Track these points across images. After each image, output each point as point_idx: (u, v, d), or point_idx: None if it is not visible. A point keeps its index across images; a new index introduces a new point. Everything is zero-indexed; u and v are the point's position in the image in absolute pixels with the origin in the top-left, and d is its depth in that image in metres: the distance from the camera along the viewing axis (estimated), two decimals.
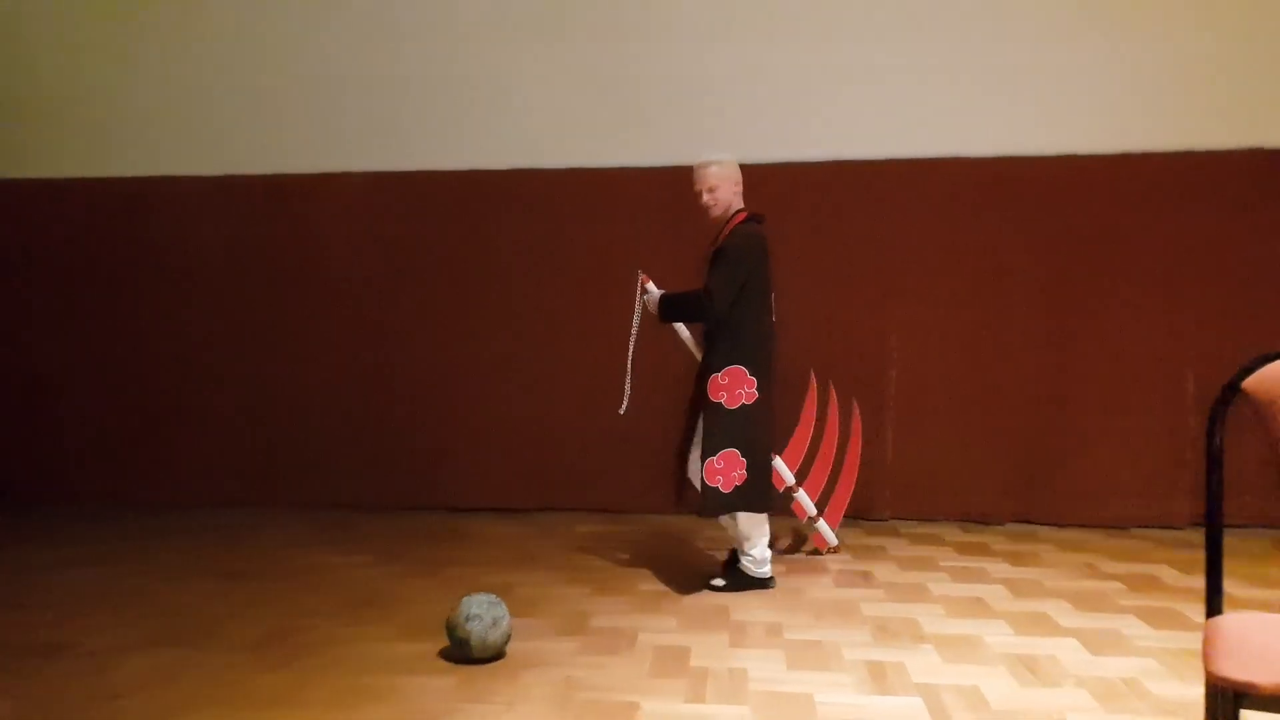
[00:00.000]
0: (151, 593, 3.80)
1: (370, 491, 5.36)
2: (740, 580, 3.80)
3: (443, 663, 3.04)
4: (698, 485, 3.73)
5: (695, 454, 3.77)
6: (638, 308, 3.82)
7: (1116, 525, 4.80)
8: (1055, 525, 4.85)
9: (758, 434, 3.68)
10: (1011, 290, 4.90)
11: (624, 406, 3.87)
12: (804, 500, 4.27)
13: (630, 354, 3.81)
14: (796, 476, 4.25)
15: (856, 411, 4.48)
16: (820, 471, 4.36)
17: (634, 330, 3.80)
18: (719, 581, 3.81)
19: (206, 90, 5.40)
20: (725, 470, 3.62)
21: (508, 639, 3.07)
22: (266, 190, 5.40)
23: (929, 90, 4.88)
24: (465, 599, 3.05)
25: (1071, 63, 4.79)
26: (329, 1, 5.25)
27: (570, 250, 5.19)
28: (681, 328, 3.86)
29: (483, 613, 3.00)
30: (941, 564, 4.18)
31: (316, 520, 5.10)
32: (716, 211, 3.71)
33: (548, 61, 5.12)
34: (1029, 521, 4.90)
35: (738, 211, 3.72)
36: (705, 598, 3.71)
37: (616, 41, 5.06)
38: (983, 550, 4.42)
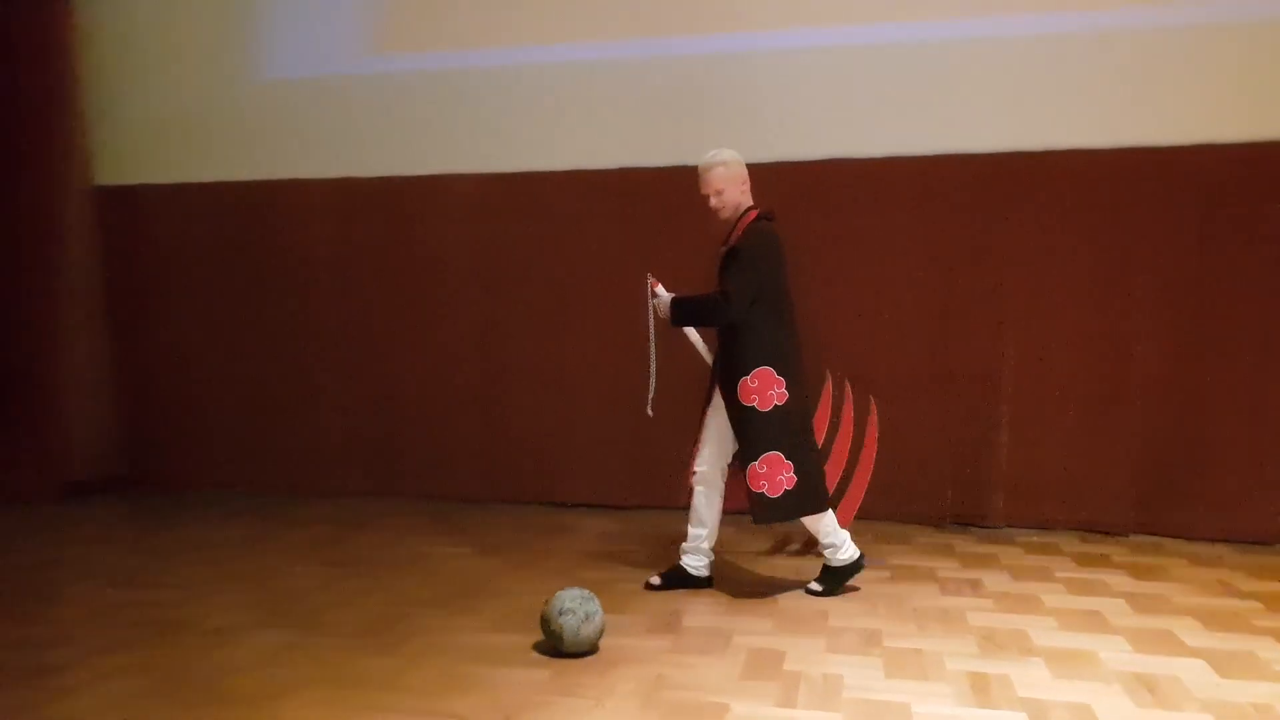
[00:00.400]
0: (270, 577, 4.00)
1: (477, 484, 5.49)
2: (834, 579, 3.73)
3: (536, 655, 3.08)
4: (707, 489, 3.71)
5: (706, 455, 3.71)
6: (651, 313, 3.75)
7: (1256, 540, 4.48)
8: (1185, 538, 4.55)
9: (798, 434, 3.61)
10: (1137, 286, 4.62)
11: (650, 408, 3.78)
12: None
13: (653, 358, 3.75)
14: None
15: (874, 411, 4.29)
16: (832, 472, 4.22)
17: (651, 334, 3.74)
18: (816, 586, 3.75)
19: (332, 97, 5.65)
20: (770, 475, 3.55)
21: (600, 634, 3.09)
22: (385, 191, 5.60)
23: (1061, 77, 4.66)
24: (559, 593, 3.09)
25: (1219, 49, 4.50)
26: (441, 6, 5.42)
27: (676, 248, 5.19)
28: (691, 331, 3.80)
29: (576, 607, 3.03)
30: (1057, 574, 3.99)
31: (430, 511, 5.25)
32: (725, 213, 3.63)
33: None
34: (1155, 533, 4.62)
35: (748, 210, 3.64)
36: (803, 601, 3.65)
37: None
38: (1103, 562, 4.19)
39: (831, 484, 4.08)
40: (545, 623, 3.06)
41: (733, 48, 5.06)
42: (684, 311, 3.64)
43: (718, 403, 3.67)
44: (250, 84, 5.78)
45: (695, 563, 3.81)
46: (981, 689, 2.79)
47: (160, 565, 4.19)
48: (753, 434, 3.55)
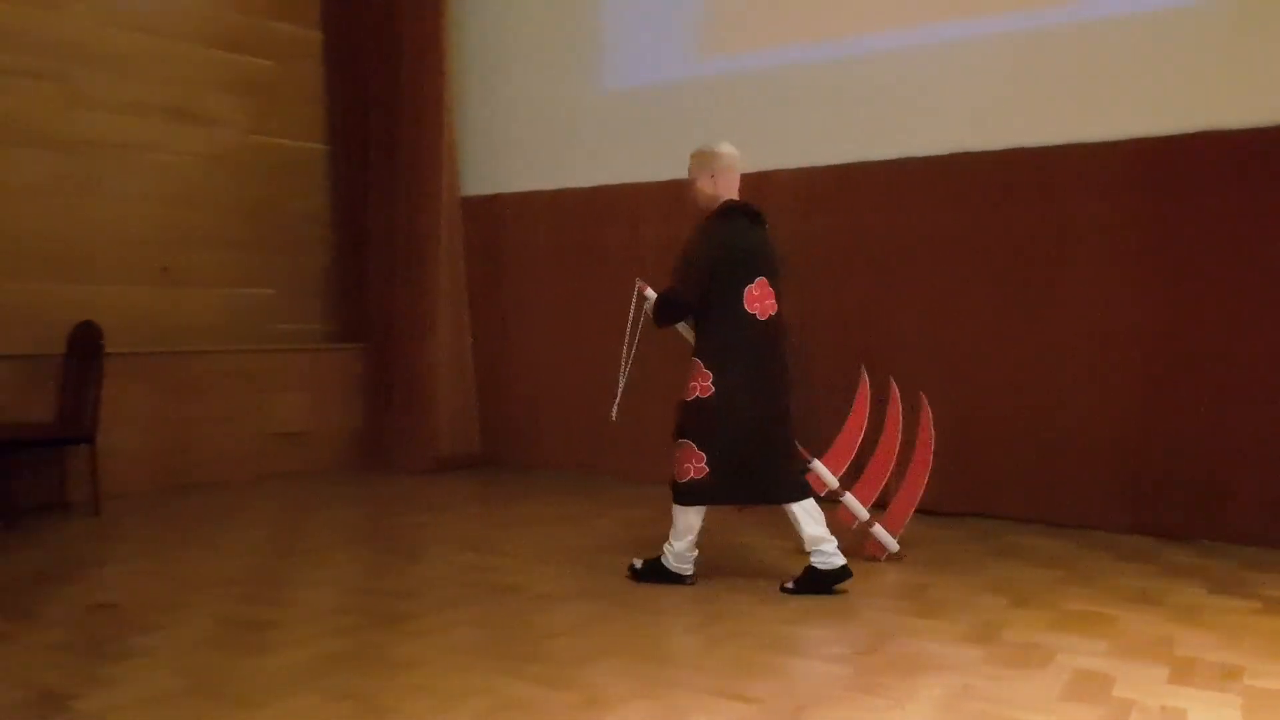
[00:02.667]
0: (594, 551, 4.27)
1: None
2: (659, 572, 3.71)
3: (840, 650, 3.01)
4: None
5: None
6: (635, 314, 3.78)
7: None
8: None
9: (718, 429, 3.58)
10: None
11: (614, 413, 3.76)
12: (851, 504, 4.07)
13: (627, 363, 3.76)
14: (844, 480, 4.05)
15: (926, 409, 4.07)
16: (877, 474, 4.10)
17: (627, 338, 3.76)
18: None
19: (662, 102, 5.92)
20: (680, 461, 3.62)
21: None
22: None
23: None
24: None
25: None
26: (763, 5, 5.47)
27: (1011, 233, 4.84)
28: (684, 329, 3.79)
29: None
30: None
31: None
32: (699, 203, 3.73)
33: None
34: None
35: (724, 203, 3.68)
36: (1148, 625, 3.24)
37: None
38: None
39: (877, 485, 4.11)
40: None
41: None
42: (655, 309, 3.73)
43: None
44: (591, 95, 6.24)
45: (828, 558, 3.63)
46: None
47: (501, 535, 4.63)
48: (678, 420, 3.67)
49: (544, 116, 6.45)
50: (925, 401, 4.16)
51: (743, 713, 2.54)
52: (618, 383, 3.78)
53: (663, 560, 3.73)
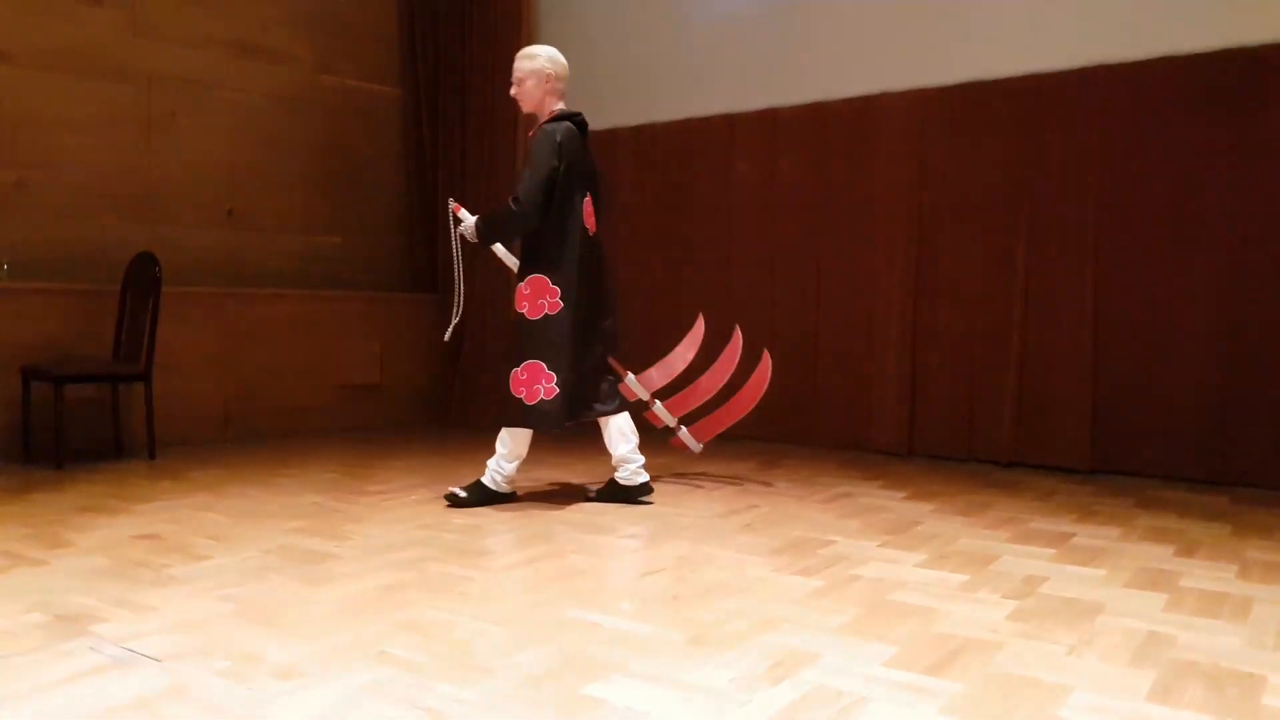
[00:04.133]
0: (675, 495, 3.84)
1: (903, 437, 4.97)
2: (484, 494, 3.62)
3: (990, 595, 2.53)
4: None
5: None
6: (455, 239, 3.68)
7: None
8: None
9: (566, 346, 3.46)
10: None
11: (448, 334, 3.81)
12: (661, 412, 4.13)
13: (459, 285, 3.72)
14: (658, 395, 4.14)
15: (766, 357, 4.22)
16: (695, 398, 4.23)
17: (457, 260, 3.70)
18: (593, 491, 3.78)
19: (750, 31, 5.45)
20: (529, 382, 3.46)
21: None
22: (809, 119, 5.29)
23: None
24: None
25: None
26: None
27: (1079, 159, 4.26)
28: (500, 249, 3.71)
29: None
30: None
31: (849, 460, 4.87)
32: (526, 108, 3.62)
33: None
34: None
35: (559, 111, 3.56)
36: None
37: None
38: None
39: (684, 408, 4.17)
40: None
41: None
42: (488, 228, 3.54)
43: None
44: (675, 25, 5.79)
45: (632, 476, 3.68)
46: None
47: (583, 479, 4.22)
48: (521, 339, 3.49)
49: (625, 50, 6.01)
50: (766, 355, 4.26)
51: (885, 655, 2.08)
52: (454, 306, 3.76)
53: (489, 481, 3.63)
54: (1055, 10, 4.54)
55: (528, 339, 3.49)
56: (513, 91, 3.63)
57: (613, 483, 3.73)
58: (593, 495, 3.78)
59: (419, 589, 2.56)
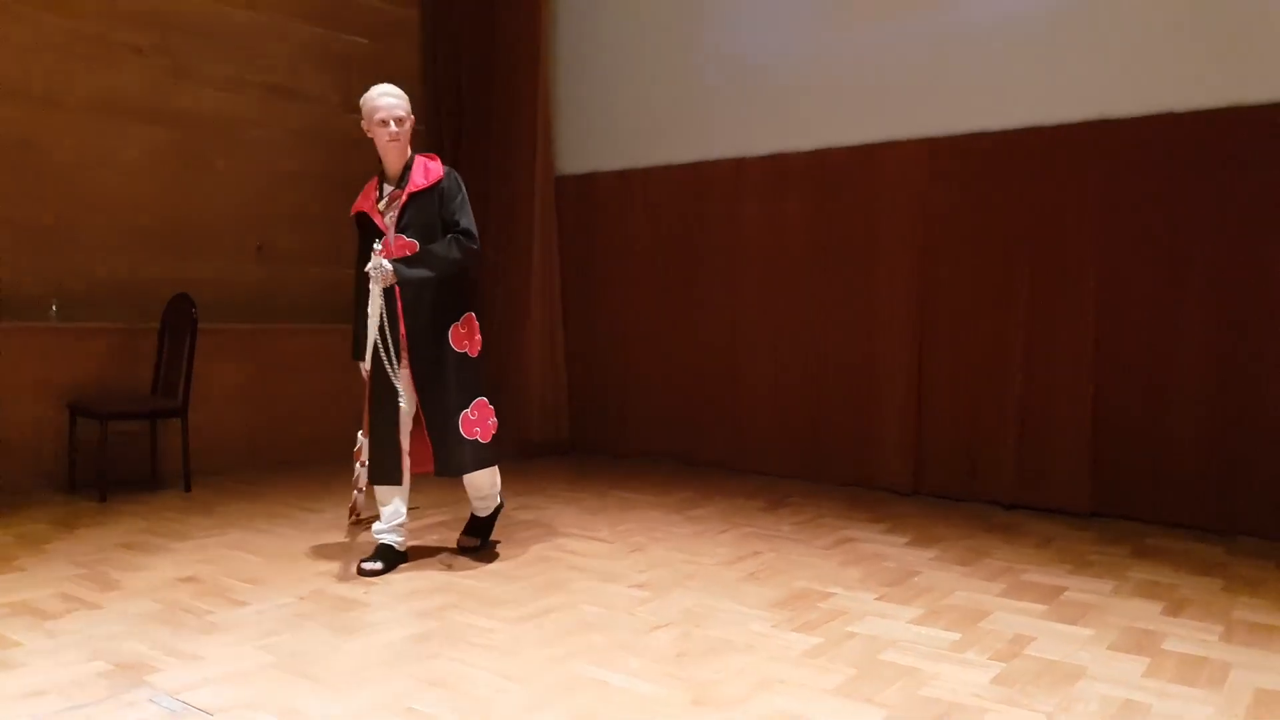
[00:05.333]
0: (685, 539, 4.02)
1: (906, 475, 5.13)
2: (489, 528, 3.83)
3: (978, 656, 2.69)
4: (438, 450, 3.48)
5: (408, 424, 3.50)
6: (375, 285, 3.32)
7: None
8: None
9: (488, 380, 3.64)
10: None
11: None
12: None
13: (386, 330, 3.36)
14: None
15: None
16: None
17: (385, 324, 3.37)
18: (470, 540, 3.78)
19: (761, 77, 5.64)
20: (480, 420, 3.51)
21: None
22: (817, 165, 5.46)
23: None
24: None
25: None
26: None
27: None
28: (375, 293, 3.33)
29: None
30: None
31: (853, 498, 5.02)
32: (407, 145, 3.44)
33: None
34: None
35: (415, 152, 3.49)
36: None
37: None
38: None
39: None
40: None
41: None
42: (435, 267, 3.35)
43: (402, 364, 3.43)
44: (688, 71, 5.98)
45: (399, 538, 3.60)
46: None
47: (595, 521, 4.40)
48: (466, 380, 3.48)
49: (640, 94, 6.22)
50: None
51: (874, 716, 2.26)
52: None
53: (491, 516, 3.82)
54: (1059, 65, 4.69)
55: (472, 377, 3.51)
56: (394, 130, 3.38)
57: (484, 520, 3.84)
58: (474, 544, 3.78)
59: (442, 640, 2.75)
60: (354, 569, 3.47)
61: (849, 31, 5.33)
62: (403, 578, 3.42)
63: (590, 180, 6.45)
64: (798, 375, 5.56)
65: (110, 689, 2.35)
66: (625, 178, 6.29)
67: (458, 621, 2.93)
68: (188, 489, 4.88)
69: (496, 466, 3.68)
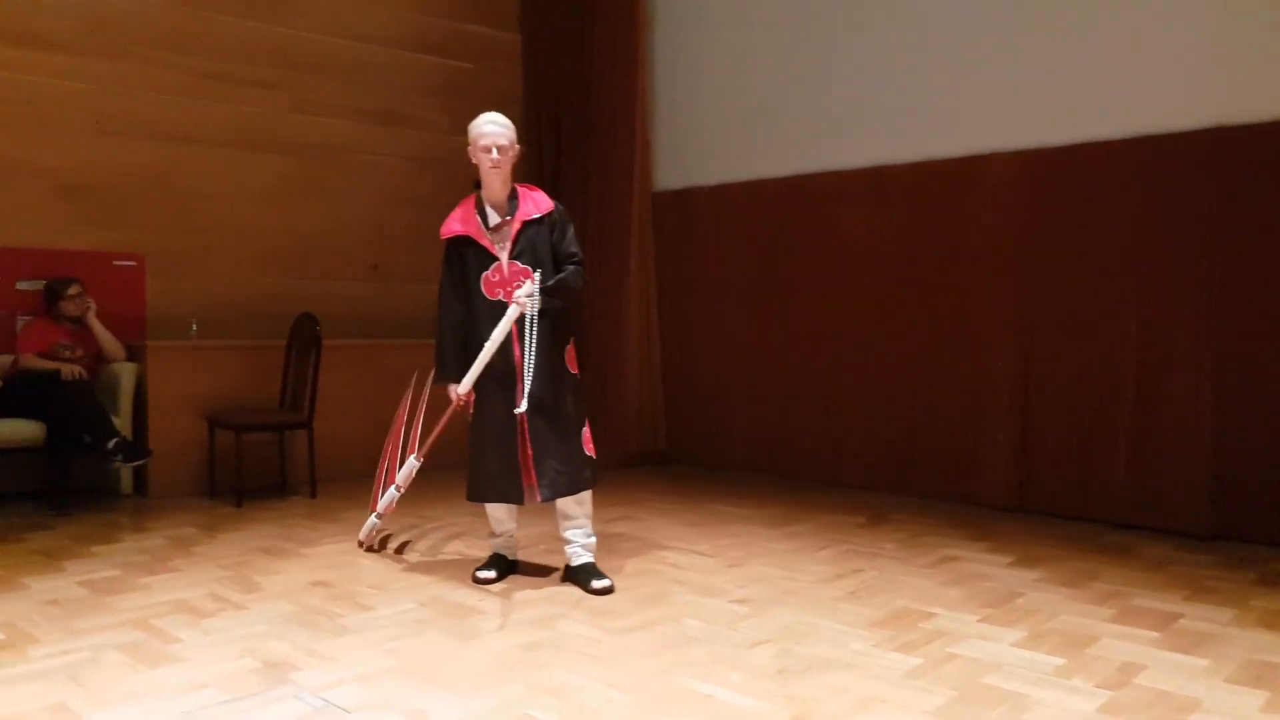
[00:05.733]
0: (784, 555, 4.08)
1: (1010, 492, 5.08)
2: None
3: (1084, 684, 2.69)
4: (548, 473, 3.47)
5: (527, 449, 3.48)
6: (516, 313, 3.41)
7: None
8: None
9: None
10: None
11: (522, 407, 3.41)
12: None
13: (530, 356, 3.40)
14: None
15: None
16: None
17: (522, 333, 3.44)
18: (605, 583, 3.52)
19: (858, 90, 5.66)
20: (589, 441, 3.61)
21: None
22: (916, 176, 5.46)
23: None
24: None
25: None
26: None
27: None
28: (510, 319, 3.42)
29: None
30: None
31: (954, 515, 4.99)
32: (503, 173, 3.46)
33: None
34: None
35: (518, 183, 3.57)
36: None
37: None
38: None
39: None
40: None
41: None
42: (566, 296, 3.53)
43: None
44: (785, 83, 6.04)
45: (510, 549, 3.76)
46: None
47: (695, 533, 4.50)
48: (580, 401, 3.59)
49: (736, 108, 6.31)
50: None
51: None
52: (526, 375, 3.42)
53: (592, 556, 3.68)
54: (1167, 72, 4.58)
55: (581, 399, 3.64)
56: (497, 159, 3.43)
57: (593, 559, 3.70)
58: (605, 586, 3.57)
59: (552, 649, 2.90)
60: (470, 577, 3.65)
61: (948, 43, 5.31)
62: (513, 587, 3.59)
63: (687, 195, 6.57)
64: (897, 389, 5.56)
65: (260, 685, 2.57)
66: (721, 192, 6.38)
67: (566, 631, 3.07)
68: (314, 495, 5.19)
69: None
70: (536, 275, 3.45)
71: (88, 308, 5.06)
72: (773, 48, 6.12)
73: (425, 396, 4.12)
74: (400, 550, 4.17)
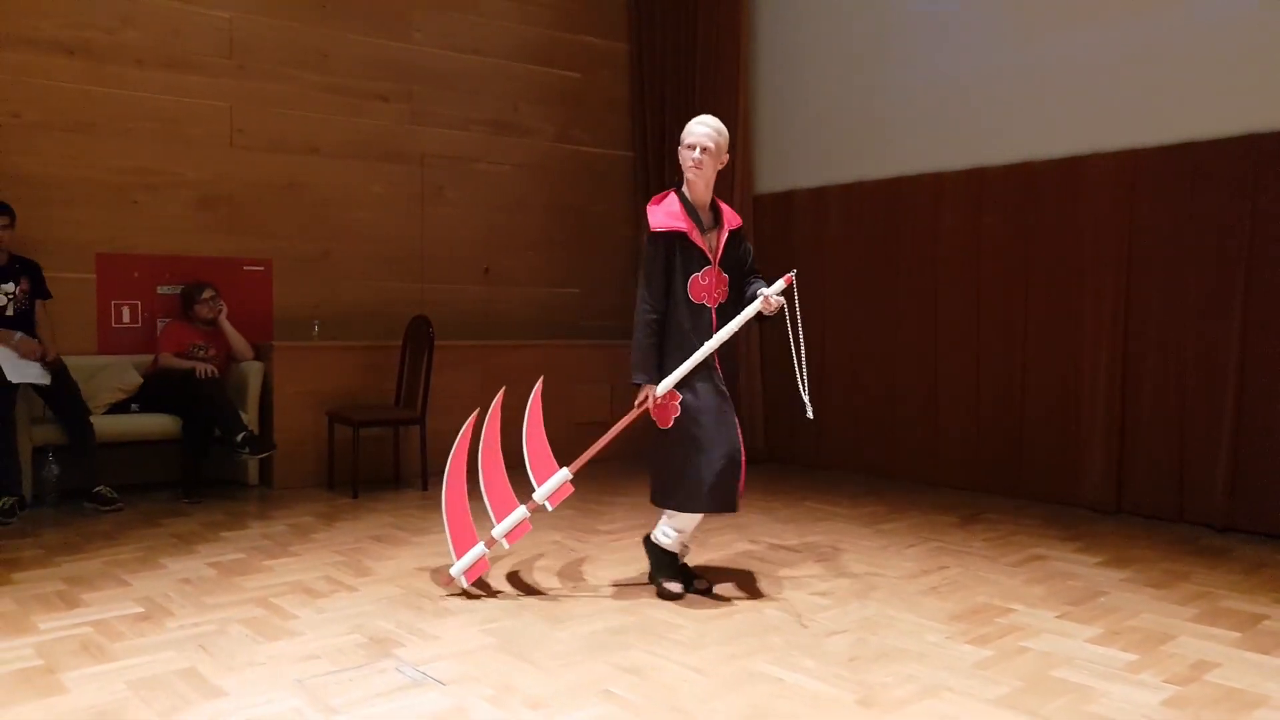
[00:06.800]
0: (872, 551, 4.17)
1: (1108, 493, 5.02)
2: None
3: (1153, 678, 2.73)
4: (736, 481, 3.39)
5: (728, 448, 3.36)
6: (754, 311, 3.45)
7: None
8: None
9: None
10: None
11: (810, 412, 3.45)
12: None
13: (802, 359, 3.48)
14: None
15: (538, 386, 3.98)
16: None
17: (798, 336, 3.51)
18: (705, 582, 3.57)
19: (959, 91, 5.66)
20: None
21: None
22: (1017, 176, 5.43)
23: None
24: None
25: None
26: None
27: None
28: (745, 319, 3.48)
29: None
30: None
31: (1051, 515, 4.97)
32: (703, 176, 3.36)
33: None
34: None
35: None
36: None
37: None
38: None
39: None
40: None
41: None
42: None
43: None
44: (887, 86, 6.08)
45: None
46: None
47: (785, 529, 4.64)
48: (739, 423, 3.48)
49: (837, 111, 6.38)
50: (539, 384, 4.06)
51: None
52: (801, 382, 3.49)
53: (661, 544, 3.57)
54: (1275, 72, 4.46)
55: None
56: (697, 158, 3.34)
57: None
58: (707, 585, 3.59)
59: (638, 633, 3.10)
60: (655, 591, 3.53)
61: (1049, 42, 5.28)
62: (606, 575, 3.80)
63: (788, 198, 6.67)
64: (996, 389, 5.55)
65: (366, 658, 2.86)
66: (822, 194, 6.46)
67: (652, 617, 3.26)
68: (425, 488, 5.54)
69: None
70: (793, 275, 3.47)
71: (220, 310, 5.52)
72: (872, 51, 6.17)
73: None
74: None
